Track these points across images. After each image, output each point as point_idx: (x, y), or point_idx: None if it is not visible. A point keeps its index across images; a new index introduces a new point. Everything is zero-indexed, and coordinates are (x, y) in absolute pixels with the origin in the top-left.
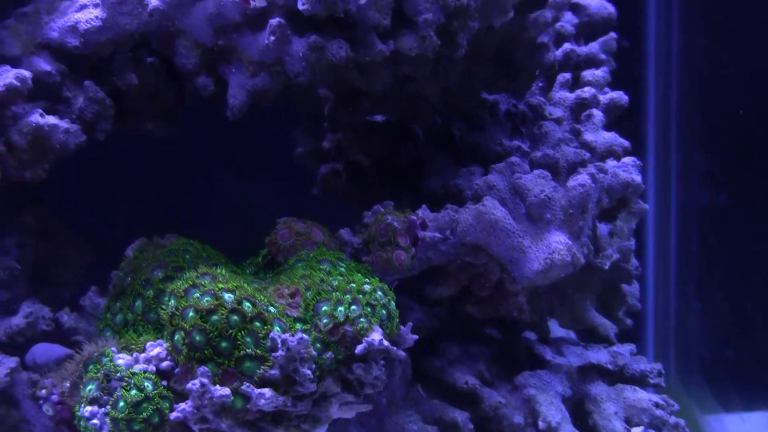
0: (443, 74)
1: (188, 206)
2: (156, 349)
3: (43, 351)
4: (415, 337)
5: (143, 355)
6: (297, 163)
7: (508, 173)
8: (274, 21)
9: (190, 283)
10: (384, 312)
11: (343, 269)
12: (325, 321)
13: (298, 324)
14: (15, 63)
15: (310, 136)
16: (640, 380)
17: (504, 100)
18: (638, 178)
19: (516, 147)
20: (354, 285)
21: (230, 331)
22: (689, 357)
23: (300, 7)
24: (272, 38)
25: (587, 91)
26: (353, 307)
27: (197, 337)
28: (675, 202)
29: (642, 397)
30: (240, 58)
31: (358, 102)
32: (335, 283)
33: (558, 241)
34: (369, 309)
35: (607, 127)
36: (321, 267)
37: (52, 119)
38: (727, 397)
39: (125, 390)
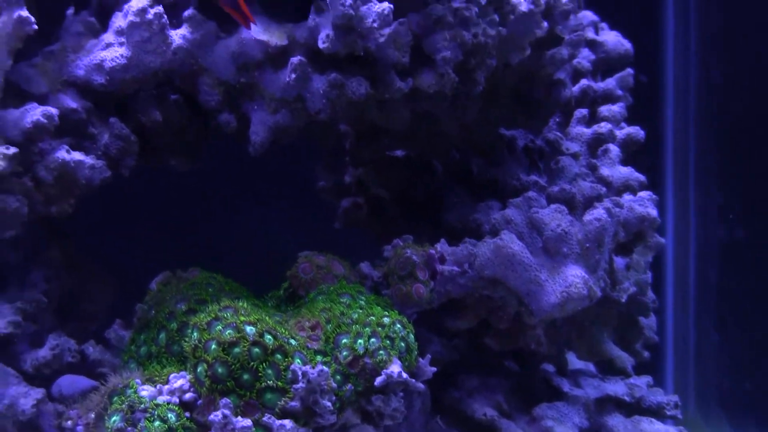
0: (461, 110)
1: (211, 240)
2: (179, 380)
3: (69, 383)
4: (434, 369)
5: (167, 386)
6: (319, 197)
7: (525, 208)
8: (295, 59)
9: (213, 316)
10: (403, 344)
11: (363, 302)
12: (345, 353)
13: (318, 356)
14: (42, 100)
15: (332, 171)
16: (656, 412)
17: (521, 135)
18: (654, 212)
19: (533, 182)
20: (374, 318)
21: (252, 363)
22: (708, 389)
23: (320, 45)
24: (293, 76)
25: (604, 127)
26: (373, 339)
27: (219, 370)
28: (693, 236)
29: (659, 428)
30: (262, 95)
31: (377, 138)
32: (355, 316)
33: (574, 274)
34: (388, 341)
35: (624, 162)
36: (341, 300)
37: (78, 155)
38: (746, 429)
39: (149, 421)
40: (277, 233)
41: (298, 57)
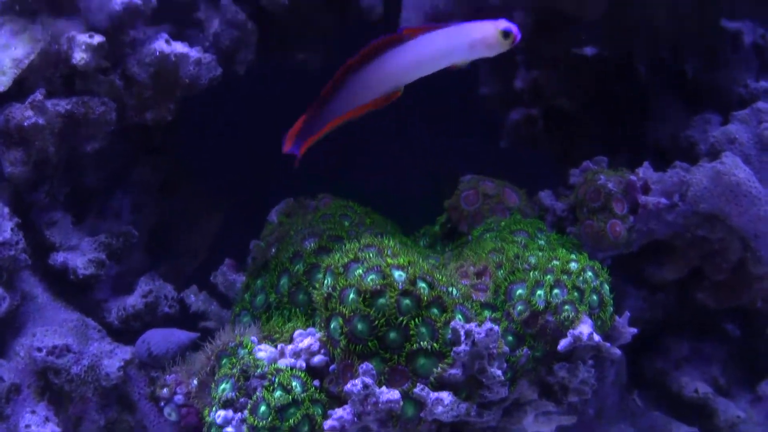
0: None
1: (345, 159)
2: (306, 339)
3: (161, 338)
4: (634, 330)
5: (290, 347)
6: (481, 107)
7: (754, 122)
8: None
9: (351, 256)
10: (595, 298)
11: (543, 242)
12: (520, 308)
13: (486, 311)
14: None
15: (498, 74)
16: None
17: (749, 29)
18: None
19: (764, 89)
20: (557, 263)
21: (401, 318)
22: None
23: None
24: None
25: None
26: (556, 290)
27: (359, 326)
28: None
29: None
30: None
31: (562, 29)
32: (533, 260)
33: None
34: (576, 294)
35: None
36: (515, 239)
37: (180, 47)
38: None
39: (268, 391)
40: (428, 152)
41: None
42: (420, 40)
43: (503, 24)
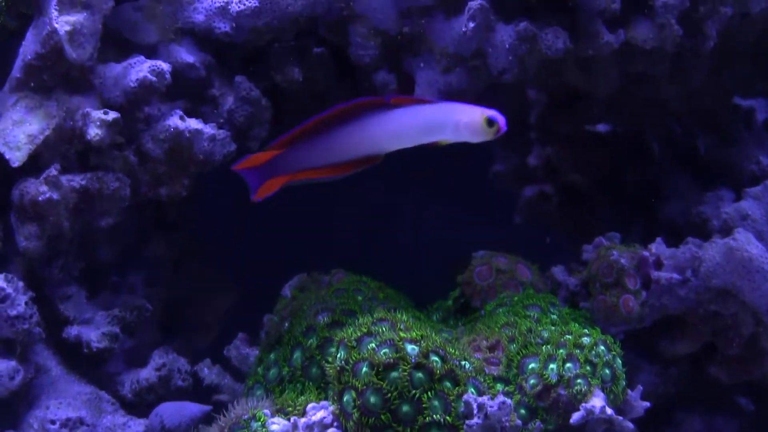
0: (686, 73)
1: (358, 235)
2: (320, 412)
3: (174, 411)
4: (647, 404)
5: (303, 420)
6: (494, 184)
7: (766, 199)
8: (474, 3)
9: (364, 330)
10: (607, 372)
11: (555, 317)
12: (532, 381)
13: (498, 384)
14: (150, 53)
15: (512, 151)
16: None
17: (762, 106)
18: None
19: None
20: (570, 337)
21: (414, 391)
22: None
23: None
24: (472, 25)
25: None
26: (569, 364)
27: (372, 399)
28: None
29: None
30: (430, 50)
31: (576, 107)
32: (546, 334)
33: None
34: (588, 367)
35: None
36: (528, 313)
37: (194, 123)
38: None
39: None
40: (442, 229)
41: (479, 1)
42: (407, 111)
43: (491, 112)
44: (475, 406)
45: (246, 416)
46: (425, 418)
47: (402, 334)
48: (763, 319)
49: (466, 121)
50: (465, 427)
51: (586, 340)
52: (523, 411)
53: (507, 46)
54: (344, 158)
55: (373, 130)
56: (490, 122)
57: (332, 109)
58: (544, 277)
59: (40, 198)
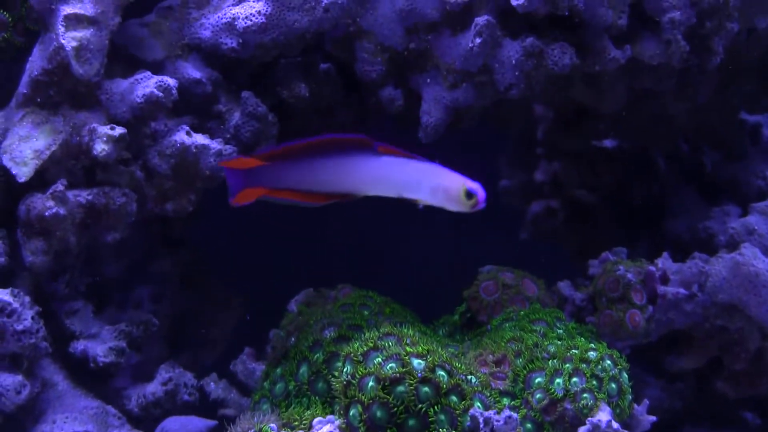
0: (692, 89)
1: (364, 251)
2: (326, 427)
3: (180, 426)
4: (653, 418)
5: None
6: (501, 199)
7: None
8: (481, 19)
9: (371, 345)
10: (614, 386)
11: (561, 332)
12: (539, 396)
13: (505, 399)
14: (157, 69)
15: (519, 167)
16: None
17: None
18: None
19: None
20: (576, 352)
21: (420, 406)
22: None
23: (514, 2)
24: (478, 41)
25: None
26: (575, 379)
27: (378, 413)
28: None
29: None
30: (437, 66)
31: (583, 123)
32: (552, 348)
33: None
34: (595, 382)
35: None
36: (534, 328)
37: (201, 139)
38: None
39: None
40: (447, 244)
41: (486, 17)
42: (393, 162)
43: (472, 185)
44: (481, 420)
45: (252, 431)
46: None
47: (408, 349)
48: None
49: (445, 187)
50: None
51: (592, 354)
52: (529, 425)
53: (513, 61)
54: (323, 188)
55: (357, 170)
56: (469, 194)
57: (325, 136)
58: (550, 291)
59: (46, 213)
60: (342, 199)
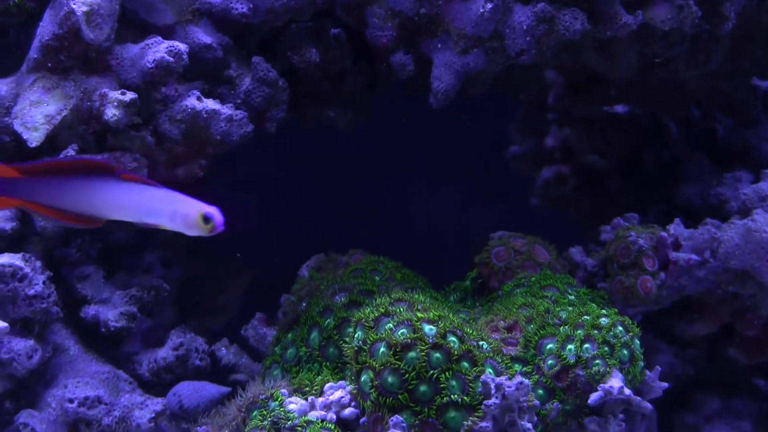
0: (704, 55)
1: (374, 216)
2: (337, 392)
3: (191, 391)
4: (665, 385)
5: (321, 399)
6: (510, 165)
7: None
8: None
9: (382, 311)
10: (625, 353)
11: (573, 298)
12: (550, 362)
13: (516, 365)
14: (167, 34)
15: (529, 132)
16: None
17: None
18: None
19: None
20: (588, 318)
21: (431, 372)
22: None
23: None
24: (489, 6)
25: None
26: (586, 345)
27: (390, 379)
28: None
29: None
30: (448, 31)
31: (594, 89)
32: (564, 315)
33: None
34: (606, 348)
35: None
36: (546, 294)
37: (211, 104)
38: None
39: None
40: (459, 211)
41: None
42: (132, 189)
43: (209, 209)
44: (492, 386)
45: (263, 396)
46: (443, 398)
47: (419, 315)
48: None
49: (183, 214)
50: (483, 407)
51: (603, 321)
52: (540, 391)
53: (525, 27)
54: (69, 208)
55: (96, 195)
56: (206, 219)
57: (73, 158)
58: (561, 258)
59: None
60: (89, 223)
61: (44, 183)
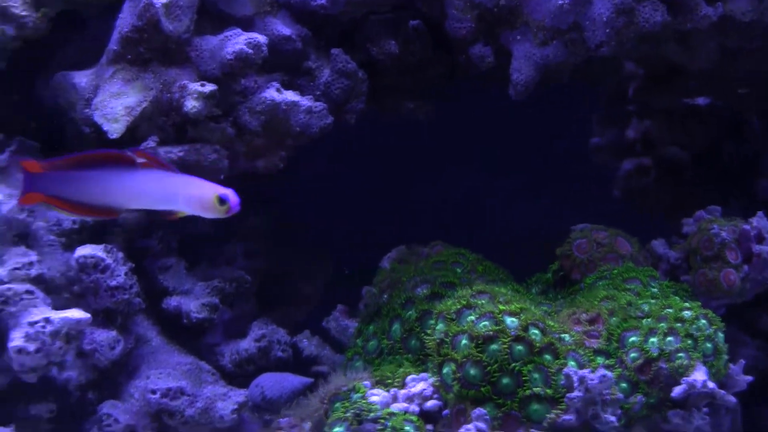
0: None
1: (452, 209)
2: (419, 384)
3: (274, 382)
4: (749, 378)
5: (403, 391)
6: (592, 157)
7: None
8: None
9: (464, 303)
10: (709, 346)
11: (656, 290)
12: (633, 355)
13: (599, 358)
14: (246, 25)
15: (610, 124)
16: None
17: None
18: None
19: None
20: (671, 311)
21: (513, 364)
22: None
23: None
24: None
25: None
26: (669, 338)
27: (472, 371)
28: None
29: None
30: (527, 23)
31: (674, 81)
32: (646, 307)
33: None
34: (689, 341)
35: None
36: (628, 287)
37: (291, 95)
38: None
39: None
40: (539, 204)
41: None
42: (147, 175)
43: (224, 191)
44: (575, 379)
45: (346, 387)
46: (525, 390)
47: (501, 307)
48: None
49: (198, 197)
50: (566, 399)
51: (687, 313)
52: (624, 384)
53: (604, 19)
54: (85, 200)
55: (112, 185)
56: (222, 201)
57: (89, 152)
58: (644, 250)
59: None
60: (108, 214)
61: (63, 177)
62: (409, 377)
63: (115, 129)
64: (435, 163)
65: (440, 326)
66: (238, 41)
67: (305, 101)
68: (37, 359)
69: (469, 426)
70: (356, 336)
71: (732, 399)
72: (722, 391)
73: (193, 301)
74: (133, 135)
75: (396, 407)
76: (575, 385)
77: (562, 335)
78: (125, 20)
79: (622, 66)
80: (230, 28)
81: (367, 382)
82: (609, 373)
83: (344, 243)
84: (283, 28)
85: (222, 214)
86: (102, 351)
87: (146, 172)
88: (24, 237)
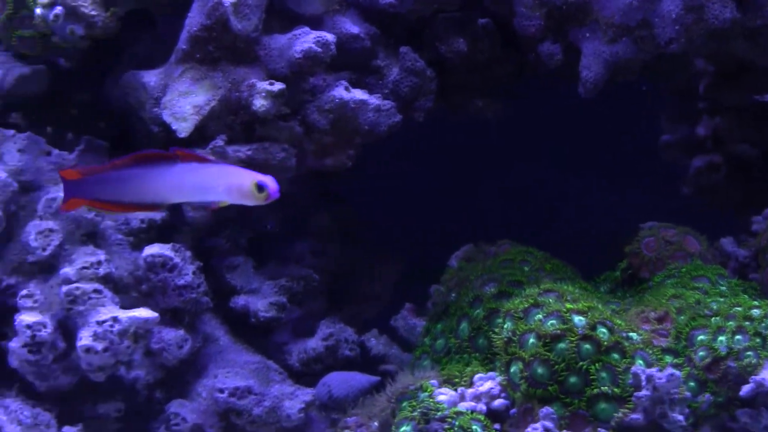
0: None
1: (520, 207)
2: (487, 383)
3: (341, 381)
4: None
5: (471, 390)
6: (662, 155)
7: None
8: None
9: (531, 301)
10: None
11: (724, 288)
12: (701, 354)
13: (667, 357)
14: (315, 24)
15: (680, 121)
16: None
17: None
18: None
19: None
20: (739, 309)
21: (581, 363)
22: None
23: None
24: None
25: None
26: (738, 336)
27: (539, 370)
28: None
29: None
30: (596, 20)
31: (744, 77)
32: (715, 306)
33: None
34: (758, 340)
35: None
36: (696, 285)
37: (360, 94)
38: None
39: None
40: (608, 201)
41: None
42: (187, 168)
43: (262, 178)
44: (643, 378)
45: (413, 386)
46: (593, 389)
47: (569, 306)
48: None
49: (237, 185)
50: (633, 398)
51: (756, 312)
52: (692, 383)
53: (674, 16)
54: (130, 200)
55: (153, 181)
56: (260, 188)
57: (129, 155)
58: (712, 248)
59: None
60: (151, 210)
61: (101, 179)
62: (477, 376)
63: (183, 128)
64: (503, 161)
65: (508, 325)
66: (306, 40)
67: (374, 99)
68: (105, 358)
69: (537, 425)
70: (424, 335)
71: None
72: None
73: (260, 300)
74: (202, 134)
75: (463, 406)
76: (643, 384)
77: (630, 334)
78: (194, 19)
79: (691, 63)
80: (299, 26)
81: (434, 381)
82: (677, 372)
83: (412, 241)
84: (351, 26)
85: (261, 201)
86: (170, 350)
87: (184, 165)
88: (92, 236)
